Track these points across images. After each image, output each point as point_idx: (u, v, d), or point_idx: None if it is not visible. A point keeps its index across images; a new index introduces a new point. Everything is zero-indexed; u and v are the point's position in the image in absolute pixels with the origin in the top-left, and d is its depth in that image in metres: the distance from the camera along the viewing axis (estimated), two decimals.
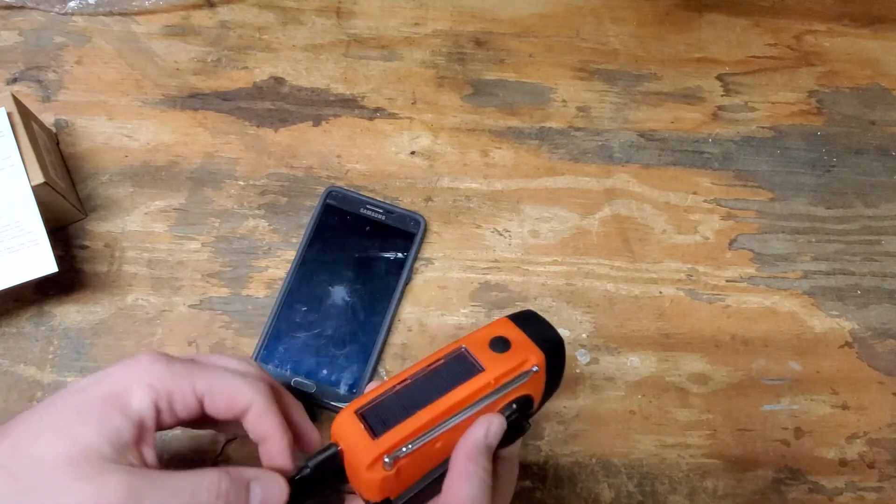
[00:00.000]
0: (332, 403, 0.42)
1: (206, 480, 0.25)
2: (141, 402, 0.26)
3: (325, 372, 0.42)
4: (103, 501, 0.23)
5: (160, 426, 0.27)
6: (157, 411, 0.26)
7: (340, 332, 0.43)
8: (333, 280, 0.44)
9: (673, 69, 0.54)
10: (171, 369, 0.27)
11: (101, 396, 0.26)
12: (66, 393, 0.26)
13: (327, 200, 0.46)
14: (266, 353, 0.42)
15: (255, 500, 0.26)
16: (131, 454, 0.25)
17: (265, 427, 0.29)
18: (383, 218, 0.46)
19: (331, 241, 0.45)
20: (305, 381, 0.42)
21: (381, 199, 0.47)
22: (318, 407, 0.42)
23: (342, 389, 0.42)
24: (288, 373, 0.42)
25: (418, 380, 0.29)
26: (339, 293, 0.44)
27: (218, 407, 0.28)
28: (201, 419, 0.29)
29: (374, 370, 0.43)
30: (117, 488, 0.24)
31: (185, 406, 0.27)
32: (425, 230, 0.47)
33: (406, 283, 0.45)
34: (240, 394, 0.28)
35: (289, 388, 0.41)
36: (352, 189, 0.47)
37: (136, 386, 0.26)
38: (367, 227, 0.46)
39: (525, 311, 0.33)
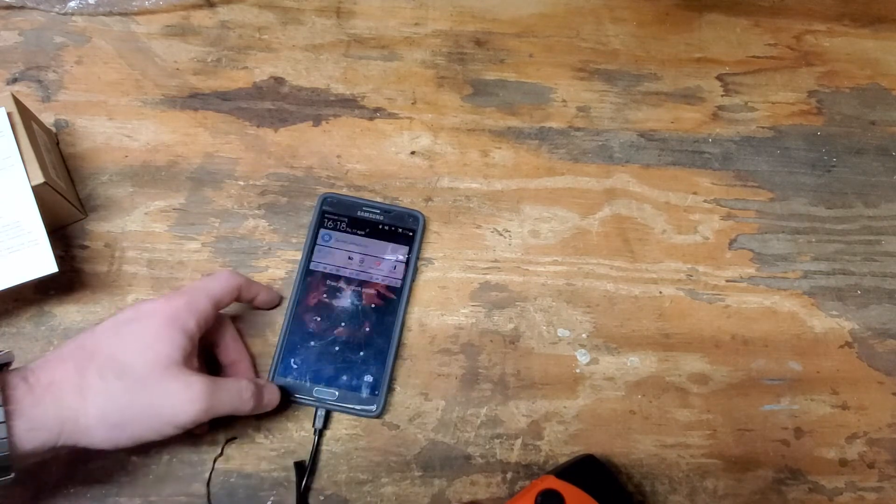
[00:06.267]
0: (356, 408, 0.42)
1: (244, 385, 0.37)
2: (192, 324, 0.35)
3: (344, 378, 0.42)
4: (191, 394, 0.33)
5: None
6: (199, 329, 0.36)
7: (354, 336, 0.43)
8: (340, 286, 0.44)
9: (673, 69, 0.54)
10: (202, 302, 0.37)
11: (168, 319, 0.35)
12: (137, 316, 0.35)
13: (323, 207, 0.46)
14: (283, 367, 0.42)
15: (266, 397, 0.38)
16: (191, 362, 0.35)
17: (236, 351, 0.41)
18: (382, 218, 0.46)
19: (332, 248, 0.45)
20: (326, 390, 0.42)
21: (378, 200, 0.47)
22: (342, 413, 0.42)
23: (364, 393, 0.42)
24: (308, 383, 0.42)
25: None
26: (348, 298, 0.44)
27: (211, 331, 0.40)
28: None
29: (393, 370, 0.43)
30: (198, 385, 0.34)
31: (206, 324, 0.37)
32: (425, 226, 0.47)
33: (412, 280, 0.45)
34: (224, 324, 0.41)
35: (311, 397, 0.42)
36: (347, 192, 0.47)
37: (186, 312, 0.35)
38: (367, 229, 0.46)
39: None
